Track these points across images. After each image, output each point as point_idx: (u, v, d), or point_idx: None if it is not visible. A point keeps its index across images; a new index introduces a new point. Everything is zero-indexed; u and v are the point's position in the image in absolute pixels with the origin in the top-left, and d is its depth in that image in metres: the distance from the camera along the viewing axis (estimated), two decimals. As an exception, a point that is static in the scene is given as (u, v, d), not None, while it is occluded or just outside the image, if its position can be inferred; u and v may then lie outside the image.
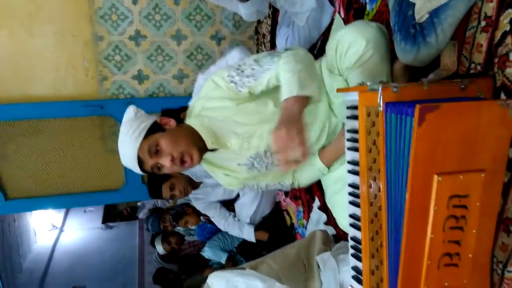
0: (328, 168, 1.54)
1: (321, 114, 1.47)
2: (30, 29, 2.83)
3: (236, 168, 1.54)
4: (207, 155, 1.49)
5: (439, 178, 0.90)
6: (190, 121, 1.47)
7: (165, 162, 1.35)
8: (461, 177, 0.91)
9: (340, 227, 1.66)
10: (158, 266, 4.57)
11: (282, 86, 1.24)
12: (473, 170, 0.92)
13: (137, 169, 1.40)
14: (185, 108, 1.98)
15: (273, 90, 1.38)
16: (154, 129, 1.38)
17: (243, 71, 1.35)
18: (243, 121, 1.42)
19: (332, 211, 1.71)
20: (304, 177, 1.65)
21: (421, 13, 1.09)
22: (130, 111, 1.44)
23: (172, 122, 1.43)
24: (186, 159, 1.37)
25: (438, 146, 0.89)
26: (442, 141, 0.88)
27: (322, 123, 1.48)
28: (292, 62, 1.26)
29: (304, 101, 1.19)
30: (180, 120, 1.50)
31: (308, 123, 1.45)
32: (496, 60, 1.01)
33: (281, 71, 1.27)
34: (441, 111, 0.86)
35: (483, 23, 1.04)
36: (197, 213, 3.43)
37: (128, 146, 1.36)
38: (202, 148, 1.43)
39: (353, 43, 1.24)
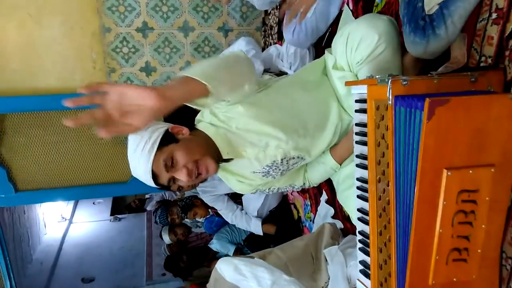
0: (340, 165, 1.54)
1: (332, 118, 1.44)
2: (39, 20, 2.83)
3: (251, 176, 1.50)
4: (222, 163, 1.42)
5: (449, 173, 0.89)
6: (203, 126, 1.40)
7: (181, 176, 1.29)
8: (470, 171, 0.90)
9: (354, 223, 1.65)
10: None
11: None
12: (482, 165, 0.91)
13: (151, 183, 1.32)
14: None
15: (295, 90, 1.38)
16: (167, 139, 1.30)
17: None
18: (255, 129, 1.36)
19: (345, 208, 1.70)
20: (316, 176, 1.63)
21: (430, 4, 1.07)
22: None
23: (185, 131, 1.36)
24: (201, 170, 1.31)
25: (448, 141, 0.88)
26: (452, 135, 0.87)
27: (334, 127, 1.45)
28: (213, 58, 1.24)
29: (195, 87, 1.10)
30: (193, 118, 1.45)
31: (321, 128, 1.44)
32: (507, 53, 1.00)
33: None
34: (451, 105, 0.84)
35: (494, 15, 1.03)
36: (206, 205, 3.45)
37: (141, 160, 1.27)
38: (217, 157, 1.36)
39: (364, 37, 1.21)
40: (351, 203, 1.54)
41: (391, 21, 1.25)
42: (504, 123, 0.89)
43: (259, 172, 1.47)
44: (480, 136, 0.89)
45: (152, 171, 1.28)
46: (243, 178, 1.54)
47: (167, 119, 1.47)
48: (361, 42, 1.22)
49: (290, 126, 1.38)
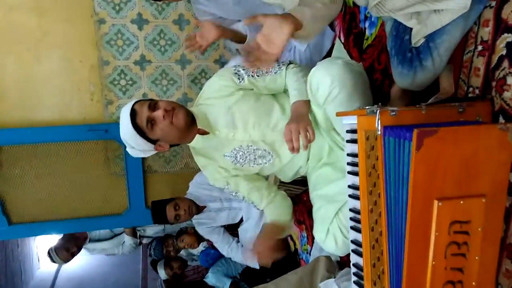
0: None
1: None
2: (37, 54, 2.87)
3: (222, 159, 1.64)
4: (198, 145, 1.63)
5: (440, 203, 0.88)
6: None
7: (158, 114, 1.47)
8: (461, 202, 0.89)
9: (317, 240, 1.69)
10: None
11: (291, 91, 1.48)
12: (473, 195, 0.90)
13: (128, 124, 1.50)
14: None
15: (282, 96, 1.60)
16: None
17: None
18: (238, 114, 1.56)
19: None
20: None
21: (417, 37, 1.10)
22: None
23: None
24: (174, 119, 1.49)
25: (438, 171, 0.88)
26: (441, 165, 0.87)
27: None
28: (299, 73, 1.49)
29: (309, 105, 1.43)
30: None
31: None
32: (493, 83, 1.01)
33: (289, 78, 1.51)
34: (439, 135, 0.85)
35: (479, 47, 1.05)
36: (198, 237, 3.41)
37: (128, 104, 1.56)
38: (190, 124, 1.54)
39: (320, 82, 1.31)
40: (317, 221, 1.65)
41: (346, 64, 1.31)
42: (494, 153, 0.89)
43: (229, 156, 1.63)
44: (470, 167, 0.89)
45: (133, 109, 1.51)
46: (216, 163, 1.68)
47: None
48: (319, 87, 1.32)
49: (263, 117, 1.57)
